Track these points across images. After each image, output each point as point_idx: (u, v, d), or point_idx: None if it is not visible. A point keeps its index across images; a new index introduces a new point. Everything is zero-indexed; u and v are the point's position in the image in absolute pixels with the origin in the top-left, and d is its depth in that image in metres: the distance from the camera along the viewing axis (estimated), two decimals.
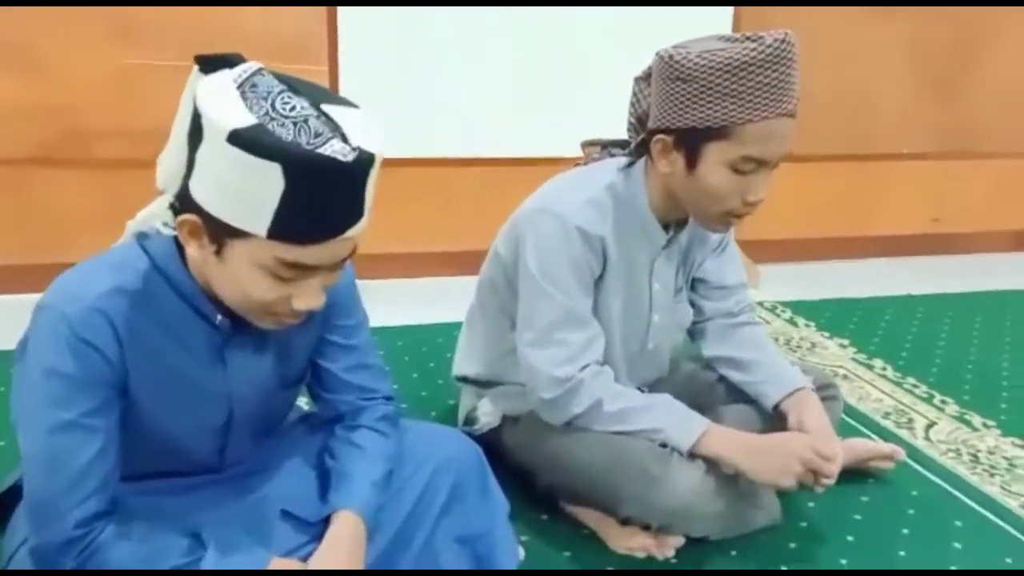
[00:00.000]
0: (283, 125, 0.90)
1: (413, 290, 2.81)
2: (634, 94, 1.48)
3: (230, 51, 0.98)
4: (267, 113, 0.90)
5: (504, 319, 1.57)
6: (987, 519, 1.60)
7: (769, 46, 1.27)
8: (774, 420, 1.55)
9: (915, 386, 2.20)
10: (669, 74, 1.33)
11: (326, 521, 1.14)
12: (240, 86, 0.93)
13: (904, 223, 3.49)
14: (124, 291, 1.00)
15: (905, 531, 1.55)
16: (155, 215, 1.07)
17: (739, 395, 1.64)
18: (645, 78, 1.44)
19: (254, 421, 1.18)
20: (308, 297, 0.99)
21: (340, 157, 0.90)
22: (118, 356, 0.99)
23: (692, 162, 1.34)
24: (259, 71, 0.95)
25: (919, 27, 3.25)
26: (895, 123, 3.36)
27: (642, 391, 1.64)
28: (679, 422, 1.41)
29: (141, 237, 1.06)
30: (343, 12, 2.63)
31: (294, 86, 0.95)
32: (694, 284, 1.67)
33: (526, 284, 1.45)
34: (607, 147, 1.58)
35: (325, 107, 0.94)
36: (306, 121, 0.91)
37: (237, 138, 0.89)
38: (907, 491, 1.69)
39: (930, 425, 1.98)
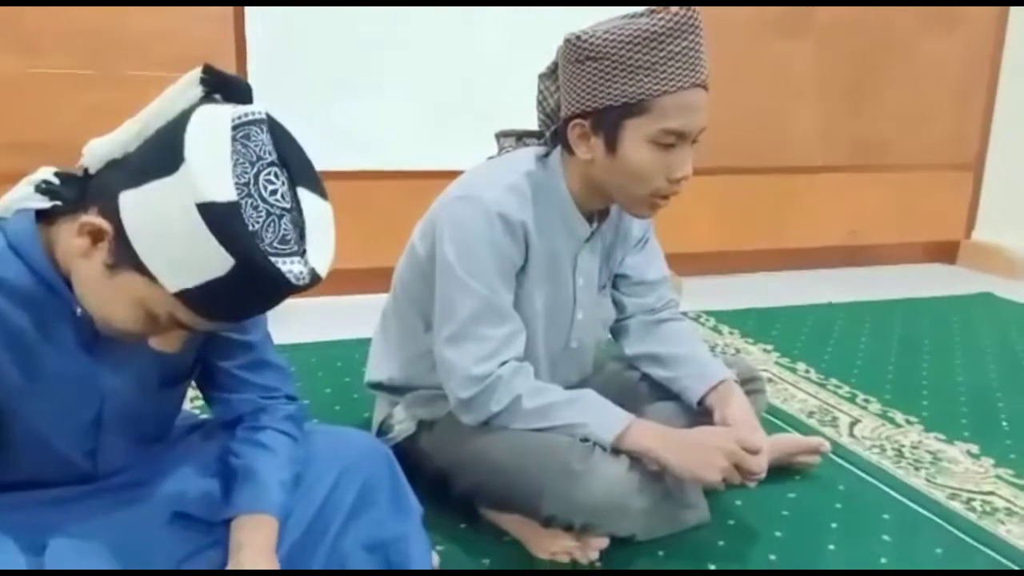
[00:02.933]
0: (257, 209, 0.84)
1: (329, 308, 2.70)
2: (540, 92, 1.44)
3: (233, 73, 0.92)
4: (247, 186, 0.84)
5: (419, 320, 1.50)
6: (915, 511, 1.58)
7: (675, 14, 1.25)
8: (699, 416, 1.51)
9: (838, 387, 2.20)
10: (578, 55, 1.30)
11: (228, 524, 1.05)
12: (235, 130, 0.86)
13: (822, 235, 3.54)
14: None
15: (834, 525, 1.52)
16: (19, 200, 0.97)
17: (663, 393, 1.59)
18: (550, 74, 1.41)
19: (131, 422, 1.07)
20: (167, 341, 0.97)
21: (293, 280, 0.86)
22: None
23: (612, 143, 1.31)
24: (259, 121, 0.88)
25: (824, 41, 3.33)
26: (809, 136, 3.43)
27: None
28: (601, 416, 1.35)
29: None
30: (251, 17, 2.54)
31: (283, 152, 0.89)
32: (616, 281, 1.63)
33: (443, 276, 1.39)
34: (522, 138, 1.53)
35: (301, 192, 0.90)
36: (280, 217, 0.86)
37: (207, 211, 0.82)
38: (834, 486, 1.66)
39: (854, 423, 1.97)
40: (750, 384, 1.59)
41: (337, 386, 2.05)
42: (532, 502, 1.32)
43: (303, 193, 0.90)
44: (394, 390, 1.57)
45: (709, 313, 2.82)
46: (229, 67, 2.53)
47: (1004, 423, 2.01)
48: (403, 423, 1.54)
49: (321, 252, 0.90)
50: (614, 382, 1.67)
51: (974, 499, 1.63)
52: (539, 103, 1.46)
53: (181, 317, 0.89)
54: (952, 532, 1.51)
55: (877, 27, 3.38)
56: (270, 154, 0.88)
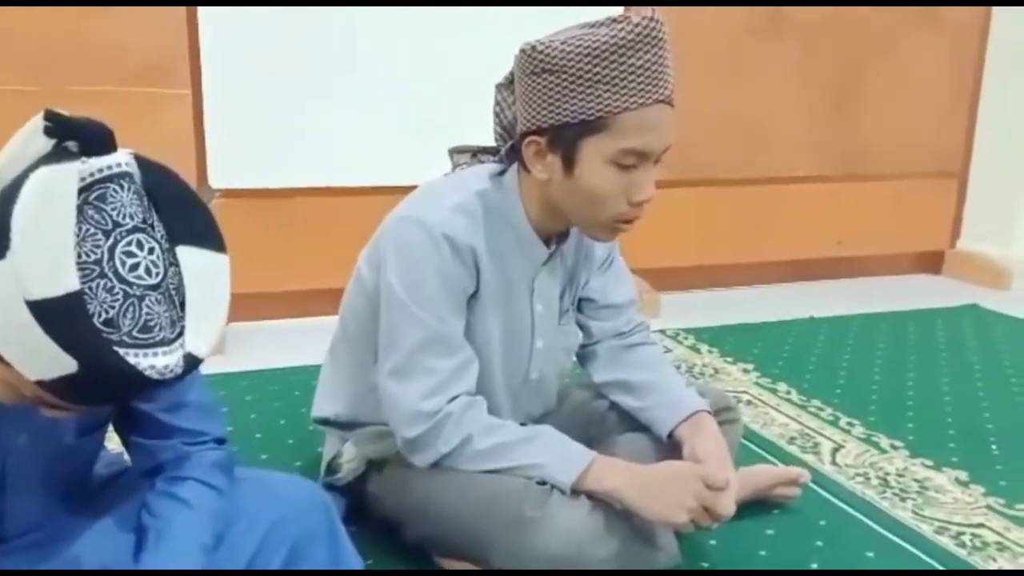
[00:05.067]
0: (112, 292, 0.73)
1: (290, 331, 2.60)
2: (497, 103, 1.35)
3: (85, 117, 0.77)
4: (99, 265, 0.72)
5: (369, 352, 1.39)
6: (900, 547, 1.48)
7: (637, 25, 1.15)
8: (669, 449, 1.41)
9: (820, 409, 2.10)
10: (534, 67, 1.20)
11: None
12: (85, 193, 0.73)
13: (808, 247, 3.44)
14: None
15: (814, 565, 1.42)
16: None
17: (633, 423, 1.50)
18: (507, 84, 1.32)
19: (41, 480, 0.97)
20: (60, 410, 0.84)
21: (155, 376, 0.74)
22: None
23: (569, 163, 1.21)
24: (119, 176, 0.76)
25: (808, 47, 3.24)
26: (792, 145, 3.34)
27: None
28: (560, 455, 1.25)
29: None
30: (205, 26, 2.42)
31: (158, 205, 0.77)
32: (581, 305, 1.53)
33: (388, 304, 1.29)
34: (477, 154, 1.43)
35: (183, 253, 0.78)
36: (142, 299, 0.74)
37: (40, 309, 0.70)
38: (815, 521, 1.56)
39: (836, 449, 1.87)
40: (724, 414, 1.50)
41: (293, 417, 1.94)
42: (481, 553, 1.21)
43: (185, 253, 0.78)
44: (342, 426, 1.47)
45: (688, 331, 2.72)
46: (183, 79, 2.43)
47: (993, 446, 1.91)
48: (352, 462, 1.43)
49: (205, 327, 0.79)
50: (581, 412, 1.57)
51: (963, 533, 1.53)
52: (496, 115, 1.37)
53: (51, 401, 0.77)
54: (941, 570, 1.41)
55: (859, 28, 3.30)
56: (133, 216, 0.75)
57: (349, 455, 1.44)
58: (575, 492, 1.23)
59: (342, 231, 2.63)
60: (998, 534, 1.53)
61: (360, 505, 1.45)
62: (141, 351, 0.74)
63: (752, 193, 3.31)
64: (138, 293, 0.74)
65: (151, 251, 0.76)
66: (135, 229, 0.76)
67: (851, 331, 2.78)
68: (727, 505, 1.24)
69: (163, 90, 2.37)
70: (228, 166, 2.50)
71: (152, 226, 0.78)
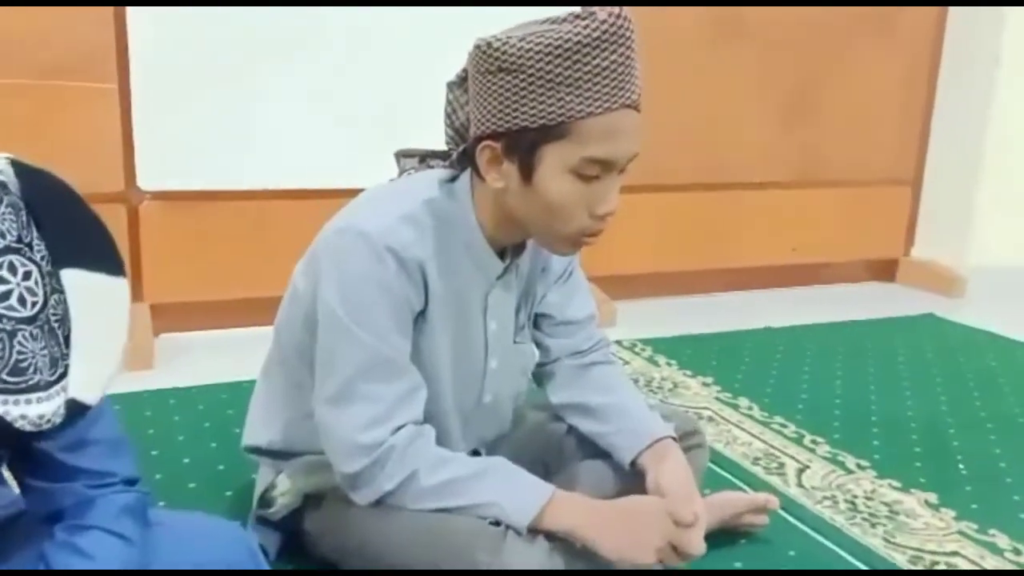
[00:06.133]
0: None
1: (224, 343, 2.44)
2: (449, 103, 1.22)
3: None
4: None
5: (305, 372, 1.26)
6: None
7: (604, 22, 1.04)
8: (633, 478, 1.31)
9: (783, 426, 2.02)
10: (489, 65, 1.09)
11: None
12: None
13: (763, 254, 3.39)
14: None
15: None
16: None
17: (592, 449, 1.39)
18: (460, 83, 1.19)
19: None
20: None
21: (29, 428, 0.64)
22: None
23: (528, 171, 1.10)
24: None
25: (765, 53, 3.19)
26: (749, 152, 3.28)
27: (478, 453, 1.37)
28: (515, 492, 1.14)
29: None
30: (135, 17, 2.26)
31: (40, 217, 0.66)
32: (537, 321, 1.42)
33: (326, 324, 1.16)
34: (426, 159, 1.31)
35: (68, 277, 0.67)
36: (13, 335, 0.63)
37: None
38: (784, 551, 1.47)
39: (802, 469, 1.79)
40: (689, 439, 1.40)
41: (225, 439, 1.79)
42: None
43: (72, 277, 0.67)
44: (276, 455, 1.34)
45: (645, 342, 2.63)
46: (109, 72, 2.26)
47: (961, 465, 1.85)
48: (286, 495, 1.30)
49: (95, 367, 0.67)
50: (537, 436, 1.46)
51: (938, 562, 1.46)
52: (447, 115, 1.24)
53: None
54: None
55: (816, 36, 3.25)
56: (5, 234, 0.64)
57: (283, 487, 1.31)
58: (533, 531, 1.12)
59: (280, 236, 2.49)
60: (973, 563, 1.46)
61: (296, 541, 1.32)
62: (12, 397, 0.62)
63: (708, 199, 3.25)
64: (8, 328, 0.62)
65: (27, 276, 0.64)
66: (7, 250, 0.63)
67: (809, 342, 2.72)
68: (697, 542, 1.15)
69: (87, 84, 2.20)
70: (158, 166, 2.33)
71: (30, 245, 0.65)
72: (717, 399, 2.19)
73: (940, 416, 2.13)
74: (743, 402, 2.17)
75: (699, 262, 3.28)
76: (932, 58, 3.58)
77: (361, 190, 1.28)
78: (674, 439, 1.33)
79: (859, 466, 1.82)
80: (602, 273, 2.65)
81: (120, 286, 0.70)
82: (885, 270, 3.74)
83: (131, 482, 0.99)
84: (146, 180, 2.32)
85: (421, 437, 1.15)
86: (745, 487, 1.68)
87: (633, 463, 1.32)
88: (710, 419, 2.05)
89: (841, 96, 3.38)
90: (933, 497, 1.69)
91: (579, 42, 1.04)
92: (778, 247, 3.42)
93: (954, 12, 3.51)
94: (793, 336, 2.78)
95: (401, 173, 1.31)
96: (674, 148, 2.99)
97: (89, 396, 0.67)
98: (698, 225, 3.23)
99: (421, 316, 1.20)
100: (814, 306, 3.19)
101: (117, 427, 1.00)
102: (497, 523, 1.11)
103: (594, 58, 1.05)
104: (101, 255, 0.70)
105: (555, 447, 1.44)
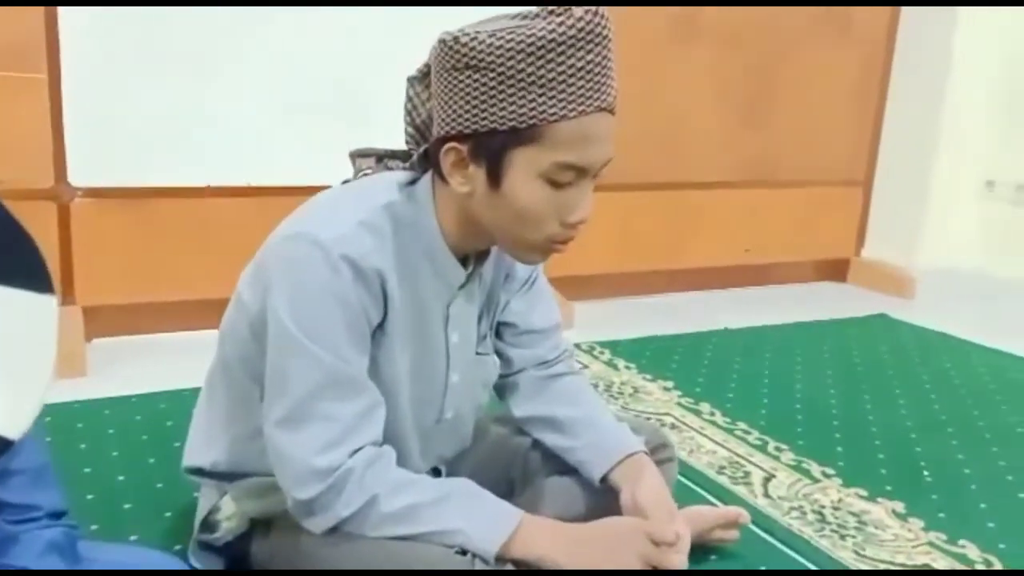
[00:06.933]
0: None
1: (162, 348, 2.32)
2: (409, 99, 1.14)
3: None
4: None
5: (252, 385, 1.17)
6: None
7: (580, 19, 0.97)
8: (603, 495, 1.25)
9: (747, 432, 1.98)
10: (455, 62, 1.01)
11: None
12: None
13: (717, 254, 3.38)
14: None
15: None
16: None
17: (558, 464, 1.33)
18: (422, 78, 1.11)
19: None
20: None
21: None
22: None
23: (496, 176, 1.03)
24: None
25: (720, 53, 3.16)
26: (705, 151, 3.25)
27: (439, 471, 1.29)
28: (481, 518, 1.06)
29: None
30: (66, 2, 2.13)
31: None
32: (499, 330, 1.35)
33: (276, 340, 1.07)
34: (384, 159, 1.22)
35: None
36: None
37: None
38: (754, 566, 1.43)
39: (768, 478, 1.75)
40: (659, 452, 1.35)
41: (164, 454, 1.67)
42: None
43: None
44: (220, 476, 1.24)
45: (604, 344, 2.58)
46: (38, 61, 2.12)
47: (926, 472, 1.83)
48: (231, 520, 1.21)
49: (18, 396, 0.60)
50: (500, 452, 1.39)
51: None
52: (407, 112, 1.16)
53: None
54: None
55: (770, 35, 3.24)
56: None
57: (228, 511, 1.21)
58: (500, 560, 1.05)
59: (221, 236, 2.38)
60: None
61: (243, 567, 1.23)
62: None
63: (664, 198, 3.21)
64: None
65: None
66: None
67: (767, 343, 2.70)
68: (678, 562, 1.09)
69: (13, 74, 2.07)
70: (91, 161, 2.19)
71: None
72: (679, 404, 2.14)
73: (900, 419, 2.12)
74: (705, 407, 2.13)
75: (654, 262, 3.24)
76: (885, 59, 3.60)
77: (312, 188, 1.19)
78: (646, 454, 1.27)
79: (824, 474, 1.79)
80: (557, 273, 2.58)
81: (48, 305, 0.62)
82: (836, 270, 3.76)
83: (57, 515, 0.91)
84: (78, 176, 2.18)
85: (381, 459, 1.07)
86: (712, 499, 1.64)
87: (604, 479, 1.26)
88: (673, 426, 2.00)
89: (794, 97, 3.38)
90: (900, 506, 1.66)
91: (554, 40, 0.97)
92: (731, 247, 3.41)
93: (907, 12, 3.54)
94: (751, 337, 2.76)
95: (357, 174, 1.22)
96: (629, 148, 2.92)
97: (12, 431, 0.58)
98: (653, 225, 3.19)
99: (379, 329, 1.11)
100: (769, 306, 3.19)
101: (41, 453, 0.91)
102: (463, 552, 1.03)
103: (569, 57, 0.98)
104: (29, 271, 0.61)
105: (519, 463, 1.38)
